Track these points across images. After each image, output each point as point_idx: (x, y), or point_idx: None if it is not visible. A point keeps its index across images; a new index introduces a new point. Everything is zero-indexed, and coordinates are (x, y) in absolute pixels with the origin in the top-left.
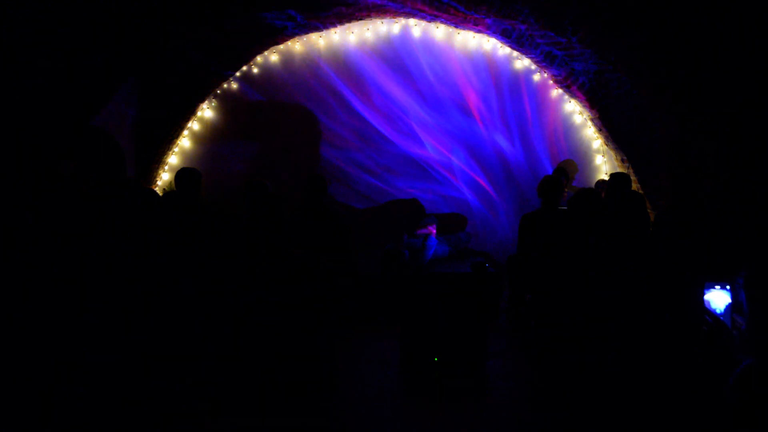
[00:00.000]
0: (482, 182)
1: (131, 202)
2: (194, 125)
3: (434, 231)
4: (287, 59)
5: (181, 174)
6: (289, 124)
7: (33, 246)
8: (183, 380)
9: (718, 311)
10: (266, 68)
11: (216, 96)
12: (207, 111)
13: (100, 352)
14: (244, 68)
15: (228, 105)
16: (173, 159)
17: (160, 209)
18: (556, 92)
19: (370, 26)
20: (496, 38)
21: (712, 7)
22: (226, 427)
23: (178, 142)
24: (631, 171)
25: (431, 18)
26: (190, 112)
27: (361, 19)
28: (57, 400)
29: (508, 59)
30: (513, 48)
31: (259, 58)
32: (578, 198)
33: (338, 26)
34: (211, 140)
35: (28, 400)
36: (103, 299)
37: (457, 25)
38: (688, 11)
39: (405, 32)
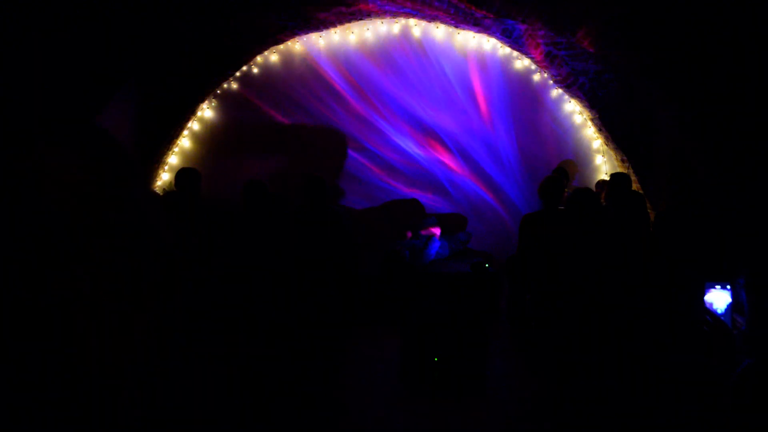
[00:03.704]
0: (482, 182)
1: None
2: (194, 125)
3: (438, 232)
4: (287, 59)
5: (181, 174)
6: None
7: (33, 246)
8: (181, 380)
9: (718, 311)
10: (266, 68)
11: (216, 96)
12: (207, 111)
13: (100, 353)
14: (244, 68)
15: (228, 105)
16: (173, 159)
17: (159, 209)
18: (556, 92)
19: (370, 26)
20: (496, 38)
21: (713, 8)
22: (224, 428)
23: (178, 142)
24: (631, 171)
25: (431, 18)
26: (190, 112)
27: (361, 19)
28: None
29: (508, 59)
30: (513, 48)
31: (259, 58)
32: (575, 198)
33: (338, 26)
34: (211, 140)
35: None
36: (102, 299)
37: (457, 25)
38: (688, 12)
39: (405, 32)
